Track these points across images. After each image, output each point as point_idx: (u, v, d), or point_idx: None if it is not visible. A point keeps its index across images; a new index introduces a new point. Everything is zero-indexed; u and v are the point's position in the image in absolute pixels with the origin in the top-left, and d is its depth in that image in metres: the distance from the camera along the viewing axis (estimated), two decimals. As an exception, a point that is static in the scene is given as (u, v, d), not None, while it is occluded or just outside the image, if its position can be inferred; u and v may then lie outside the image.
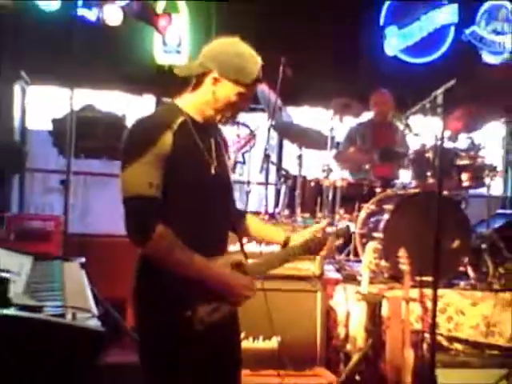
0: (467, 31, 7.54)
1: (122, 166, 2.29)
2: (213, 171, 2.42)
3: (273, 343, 3.75)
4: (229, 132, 5.38)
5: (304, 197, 5.26)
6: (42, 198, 6.78)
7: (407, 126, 5.19)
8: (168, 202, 2.28)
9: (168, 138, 2.28)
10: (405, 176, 5.42)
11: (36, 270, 3.22)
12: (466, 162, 4.86)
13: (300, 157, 5.29)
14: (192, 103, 2.42)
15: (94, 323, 2.26)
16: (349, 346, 4.02)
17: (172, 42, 6.73)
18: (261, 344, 3.77)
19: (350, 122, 5.91)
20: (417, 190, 4.81)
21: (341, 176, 5.48)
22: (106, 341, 2.21)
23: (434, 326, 3.66)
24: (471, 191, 5.18)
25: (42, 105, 6.97)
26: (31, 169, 6.88)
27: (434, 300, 3.63)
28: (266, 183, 5.81)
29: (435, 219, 3.70)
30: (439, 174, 4.16)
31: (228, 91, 2.36)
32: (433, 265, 3.63)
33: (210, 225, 2.41)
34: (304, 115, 7.05)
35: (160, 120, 2.36)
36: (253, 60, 2.39)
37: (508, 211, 6.58)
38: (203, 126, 2.43)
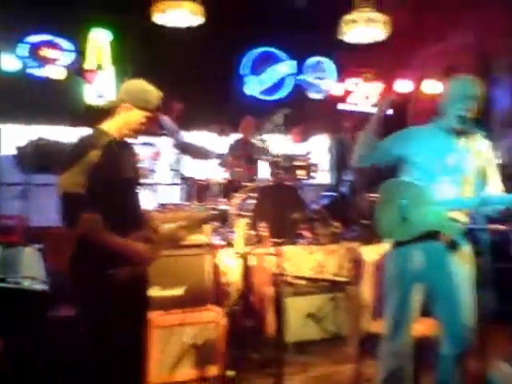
0: (299, 78, 7.77)
1: (60, 173, 2.21)
2: (128, 175, 2.39)
3: (179, 291, 3.72)
4: (143, 149, 5.27)
5: (198, 191, 5.24)
6: (10, 203, 6.35)
7: (262, 141, 5.31)
8: (99, 196, 2.22)
9: (94, 154, 2.22)
10: (264, 173, 5.52)
11: (4, 254, 3.04)
12: (301, 163, 5.02)
13: (194, 165, 5.27)
14: (113, 126, 2.38)
15: (43, 287, 2.18)
16: (230, 288, 4.06)
17: (98, 89, 6.54)
18: (171, 292, 3.72)
19: (226, 140, 5.92)
20: (271, 183, 4.92)
21: (222, 176, 5.50)
22: (53, 299, 2.13)
23: (283, 270, 3.77)
24: (306, 181, 5.33)
25: (9, 137, 6.56)
26: (1, 182, 6.48)
27: (283, 253, 3.74)
28: (172, 184, 5.76)
29: (283, 201, 3.81)
30: (284, 172, 4.30)
31: (138, 116, 2.35)
32: (282, 231, 3.74)
33: (128, 210, 2.38)
34: (194, 137, 6.95)
35: (89, 141, 2.31)
36: (154, 94, 2.39)
37: (330, 193, 6.85)
38: (122, 143, 2.39)
